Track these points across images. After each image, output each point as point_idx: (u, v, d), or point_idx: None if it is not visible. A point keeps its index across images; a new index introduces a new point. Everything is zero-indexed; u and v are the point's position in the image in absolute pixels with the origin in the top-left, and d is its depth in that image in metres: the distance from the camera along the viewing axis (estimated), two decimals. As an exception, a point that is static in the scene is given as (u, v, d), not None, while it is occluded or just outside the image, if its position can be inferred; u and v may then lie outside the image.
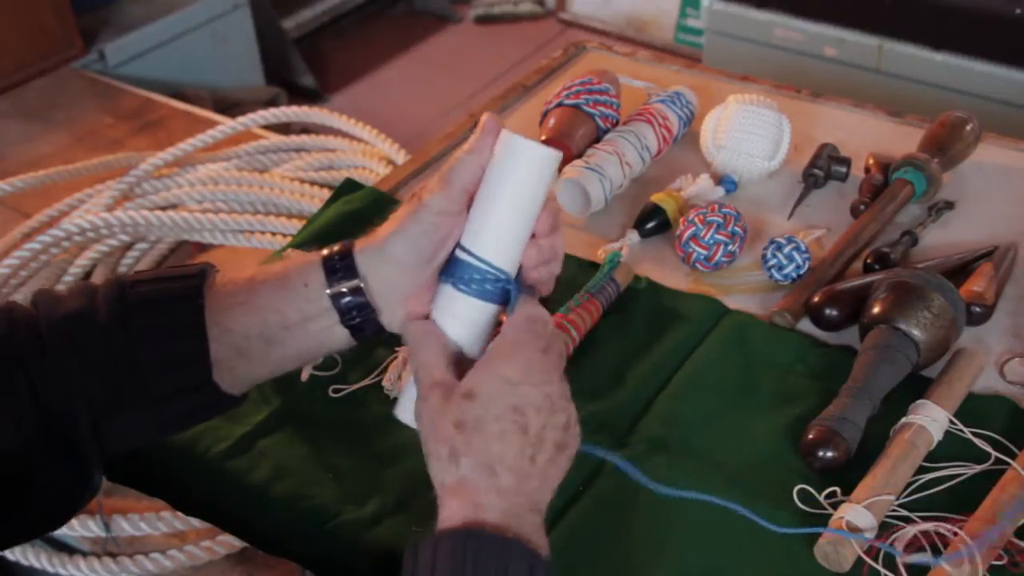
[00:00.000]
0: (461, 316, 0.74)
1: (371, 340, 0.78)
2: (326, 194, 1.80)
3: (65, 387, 0.72)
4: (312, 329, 0.75)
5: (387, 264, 0.75)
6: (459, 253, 0.74)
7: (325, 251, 0.76)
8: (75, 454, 0.74)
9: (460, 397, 0.68)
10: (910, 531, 0.81)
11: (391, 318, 0.76)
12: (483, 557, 0.63)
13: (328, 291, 0.75)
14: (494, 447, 0.67)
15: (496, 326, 0.75)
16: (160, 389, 0.74)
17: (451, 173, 0.74)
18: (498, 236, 0.73)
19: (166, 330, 0.74)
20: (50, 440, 0.72)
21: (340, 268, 0.75)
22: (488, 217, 0.73)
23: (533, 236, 0.75)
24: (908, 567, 0.79)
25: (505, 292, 0.74)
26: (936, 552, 0.80)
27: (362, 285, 0.75)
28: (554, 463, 0.69)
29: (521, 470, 0.67)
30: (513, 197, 0.73)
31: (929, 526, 0.81)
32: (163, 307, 0.74)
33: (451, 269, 0.74)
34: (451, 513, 0.67)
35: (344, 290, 0.75)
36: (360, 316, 0.75)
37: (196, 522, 1.29)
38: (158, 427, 0.76)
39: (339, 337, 0.76)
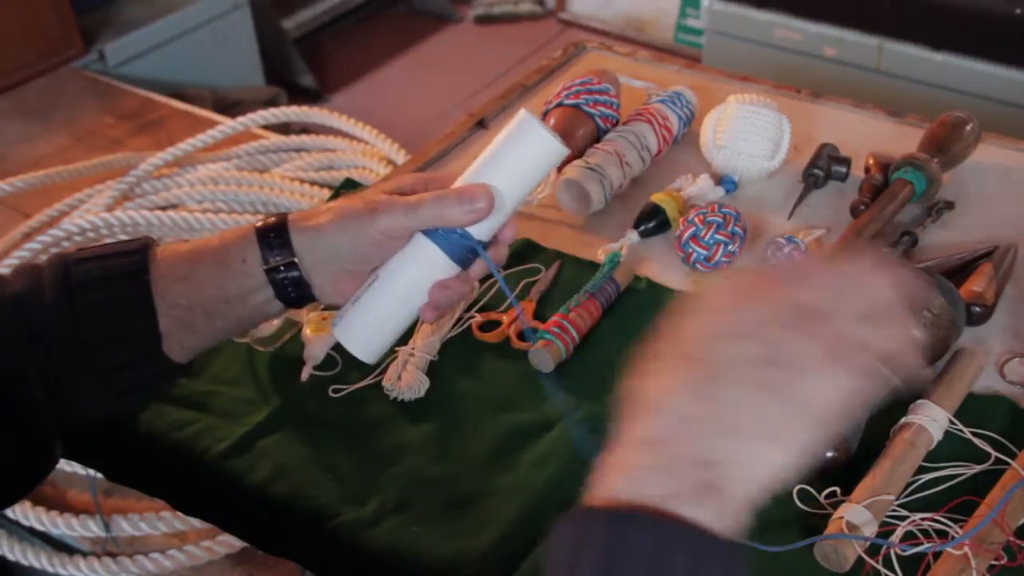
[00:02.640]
0: (421, 262, 0.76)
1: None
2: (326, 194, 1.80)
3: (17, 366, 0.73)
4: (251, 301, 0.77)
5: (323, 249, 0.76)
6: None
7: (260, 223, 0.77)
8: (31, 429, 0.76)
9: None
10: (908, 522, 0.81)
11: (323, 293, 0.78)
12: (629, 539, 0.50)
13: (264, 267, 0.76)
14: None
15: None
16: (112, 363, 0.75)
17: (417, 207, 0.75)
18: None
19: (114, 307, 0.75)
20: (5, 417, 0.73)
21: (276, 245, 0.76)
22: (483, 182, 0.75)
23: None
24: (907, 567, 0.79)
25: (469, 253, 0.76)
26: (935, 554, 0.80)
27: (296, 261, 0.76)
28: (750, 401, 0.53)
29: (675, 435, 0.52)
30: (510, 176, 0.75)
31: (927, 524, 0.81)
32: (109, 284, 0.75)
33: None
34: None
35: (279, 266, 0.76)
36: (295, 291, 0.77)
37: (196, 522, 1.29)
38: (112, 400, 0.78)
39: (276, 307, 0.79)
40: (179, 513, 1.40)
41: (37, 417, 0.75)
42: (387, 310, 0.78)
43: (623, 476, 0.52)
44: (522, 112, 0.75)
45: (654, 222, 1.16)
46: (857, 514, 0.81)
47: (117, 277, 0.76)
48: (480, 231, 0.76)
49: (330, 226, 0.76)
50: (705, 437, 0.52)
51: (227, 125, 2.10)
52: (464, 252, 0.76)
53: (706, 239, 1.10)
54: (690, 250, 1.11)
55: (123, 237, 1.83)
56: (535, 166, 0.75)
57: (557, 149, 0.75)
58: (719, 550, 0.50)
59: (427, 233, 0.76)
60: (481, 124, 1.39)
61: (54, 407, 0.75)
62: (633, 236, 1.16)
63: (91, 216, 1.80)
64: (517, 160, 0.74)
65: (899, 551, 0.80)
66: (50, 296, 0.74)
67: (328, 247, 0.76)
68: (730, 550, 0.50)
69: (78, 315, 0.74)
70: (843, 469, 0.87)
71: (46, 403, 0.75)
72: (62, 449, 0.80)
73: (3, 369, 0.73)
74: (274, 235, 0.76)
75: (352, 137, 2.17)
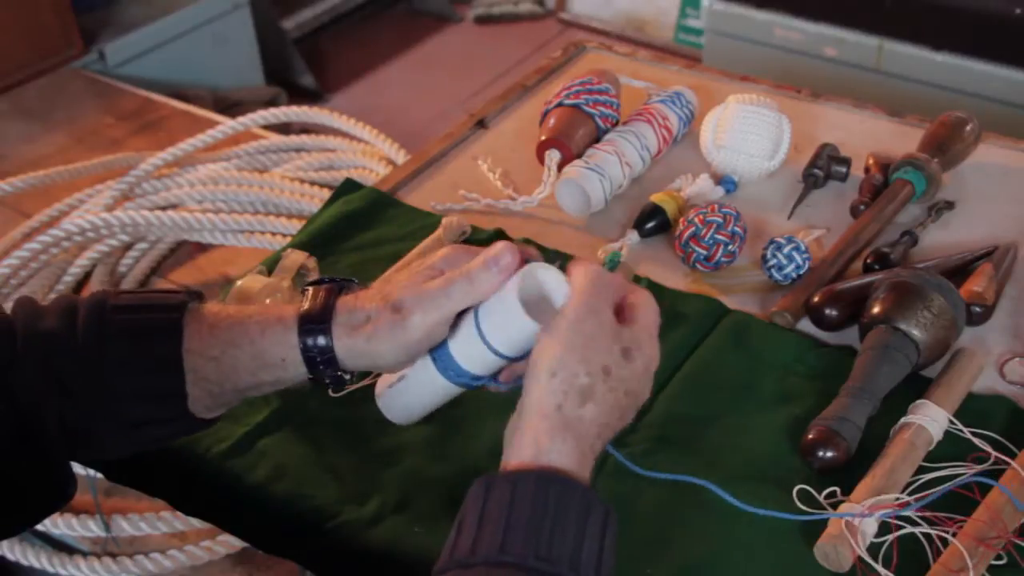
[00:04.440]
0: (430, 385, 0.77)
1: None
2: (326, 194, 1.80)
3: (38, 402, 0.72)
4: (285, 382, 0.77)
5: (365, 358, 0.74)
6: (449, 343, 0.74)
7: (301, 324, 0.74)
8: (49, 462, 0.75)
9: (621, 351, 0.69)
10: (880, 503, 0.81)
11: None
12: (565, 504, 0.63)
13: (308, 376, 0.75)
14: (613, 417, 0.68)
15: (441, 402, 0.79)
16: (135, 416, 0.75)
17: (447, 290, 0.72)
18: (482, 354, 0.73)
19: (144, 363, 0.73)
20: (24, 446, 0.73)
21: (322, 363, 0.74)
22: (476, 335, 0.73)
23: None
24: (907, 567, 0.79)
25: (468, 384, 0.76)
26: (936, 554, 0.80)
27: (342, 371, 0.75)
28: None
29: (608, 433, 0.69)
30: (504, 331, 0.72)
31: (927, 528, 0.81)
32: (142, 339, 0.74)
33: (437, 350, 0.75)
34: (557, 449, 0.65)
35: (324, 374, 0.75)
36: (334, 385, 0.77)
37: (196, 522, 1.29)
38: (130, 447, 0.77)
39: (308, 385, 0.79)
40: (179, 513, 1.41)
41: (53, 451, 0.74)
42: (421, 402, 0.79)
43: (545, 446, 0.65)
44: (527, 269, 0.72)
45: (654, 222, 1.16)
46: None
47: (150, 333, 0.74)
48: (478, 370, 0.74)
49: (370, 342, 0.73)
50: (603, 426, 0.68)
51: (227, 125, 2.10)
52: (468, 382, 0.76)
53: (706, 239, 1.10)
54: (690, 250, 1.11)
55: (123, 237, 1.83)
56: (528, 329, 0.71)
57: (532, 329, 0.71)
58: (613, 514, 0.65)
59: (433, 362, 0.75)
60: (481, 124, 1.39)
61: (69, 447, 0.75)
62: (633, 236, 1.16)
63: (91, 216, 1.80)
64: (507, 320, 0.71)
65: (857, 524, 0.80)
66: (81, 341, 0.73)
67: (370, 357, 0.74)
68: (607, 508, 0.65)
69: (106, 366, 0.73)
70: (843, 469, 0.87)
71: (61, 442, 0.74)
72: (75, 487, 0.80)
73: (24, 401, 0.72)
74: (321, 353, 0.73)
75: (352, 137, 2.17)
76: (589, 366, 0.67)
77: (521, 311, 0.69)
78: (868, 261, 1.10)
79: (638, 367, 0.69)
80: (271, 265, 1.10)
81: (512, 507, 0.62)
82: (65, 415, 0.73)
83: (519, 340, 0.71)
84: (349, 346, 0.74)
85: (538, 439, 0.65)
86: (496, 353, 0.72)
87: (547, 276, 0.72)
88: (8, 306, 0.77)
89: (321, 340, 0.73)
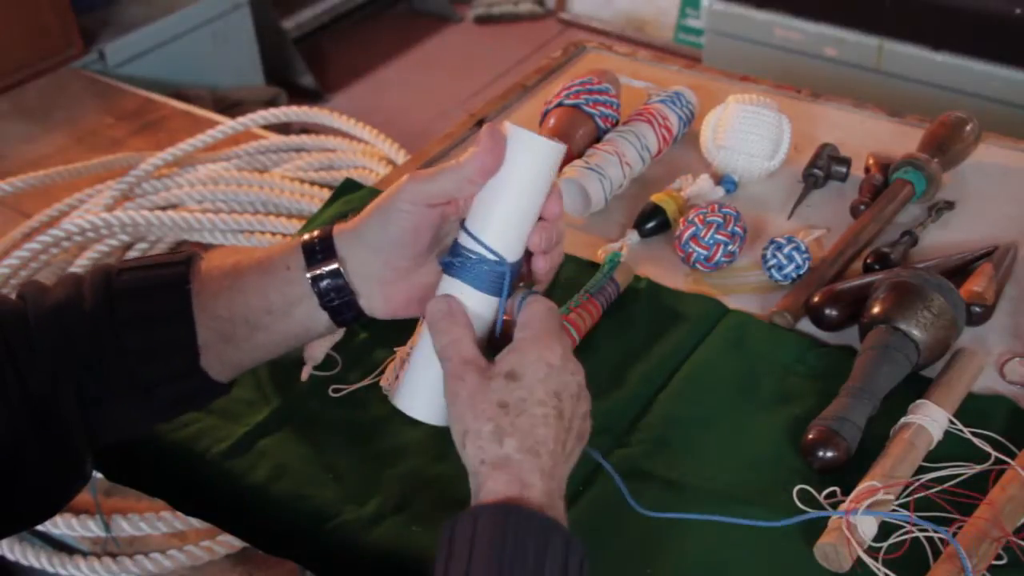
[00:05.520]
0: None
1: (369, 340, 0.78)
2: (326, 194, 1.80)
3: (55, 379, 0.73)
4: (295, 313, 0.76)
5: (363, 248, 0.75)
6: (460, 236, 0.75)
7: (306, 236, 0.77)
8: (65, 445, 0.75)
9: (503, 377, 0.69)
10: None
11: (369, 303, 0.77)
12: (523, 532, 0.64)
13: (307, 274, 0.75)
14: (539, 430, 0.68)
15: (490, 323, 0.75)
16: (149, 377, 0.74)
17: (436, 174, 0.74)
18: (498, 222, 0.73)
19: (153, 317, 0.74)
20: (40, 432, 0.73)
21: (319, 251, 0.75)
22: (491, 204, 0.74)
23: (541, 219, 0.75)
24: (905, 568, 0.79)
25: (499, 279, 0.74)
26: (936, 554, 0.80)
27: (340, 268, 0.75)
28: (574, 453, 0.71)
29: (557, 455, 0.68)
30: (516, 187, 0.73)
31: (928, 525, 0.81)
32: (149, 294, 0.75)
33: (450, 253, 0.75)
34: (495, 488, 0.66)
35: (322, 272, 0.75)
36: (339, 299, 0.76)
37: (196, 522, 1.29)
38: (148, 415, 0.77)
39: (321, 321, 0.77)
40: (179, 513, 1.41)
41: (71, 434, 0.74)
42: (437, 370, 0.75)
43: (518, 484, 0.66)
44: (510, 127, 0.74)
45: (654, 222, 1.16)
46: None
47: (157, 287, 0.75)
48: (497, 245, 0.74)
49: (363, 219, 0.76)
50: (564, 478, 0.70)
51: (227, 125, 2.10)
52: (490, 274, 0.74)
53: (706, 239, 1.10)
54: (690, 250, 1.11)
55: (123, 237, 1.83)
56: (536, 171, 0.74)
57: (551, 148, 0.74)
58: (577, 542, 0.66)
59: (452, 272, 0.74)
60: (481, 124, 1.39)
61: (88, 424, 0.75)
62: (633, 236, 1.16)
63: (91, 216, 1.80)
64: (517, 171, 0.73)
65: (851, 520, 0.80)
66: (90, 305, 0.73)
67: (366, 243, 0.75)
68: (579, 543, 0.66)
69: (117, 325, 0.73)
70: (843, 469, 0.87)
71: (80, 420, 0.74)
72: (92, 467, 0.79)
73: (40, 384, 0.72)
74: (318, 242, 0.76)
75: (352, 137, 2.17)
76: (477, 412, 0.68)
77: (533, 135, 0.72)
78: (868, 261, 1.10)
79: (530, 379, 0.69)
80: (271, 265, 1.10)
81: (474, 543, 0.64)
82: (83, 387, 0.73)
83: (533, 175, 0.73)
84: (345, 235, 0.76)
85: (485, 484, 0.67)
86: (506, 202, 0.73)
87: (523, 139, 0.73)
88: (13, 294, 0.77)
89: (317, 232, 0.76)
